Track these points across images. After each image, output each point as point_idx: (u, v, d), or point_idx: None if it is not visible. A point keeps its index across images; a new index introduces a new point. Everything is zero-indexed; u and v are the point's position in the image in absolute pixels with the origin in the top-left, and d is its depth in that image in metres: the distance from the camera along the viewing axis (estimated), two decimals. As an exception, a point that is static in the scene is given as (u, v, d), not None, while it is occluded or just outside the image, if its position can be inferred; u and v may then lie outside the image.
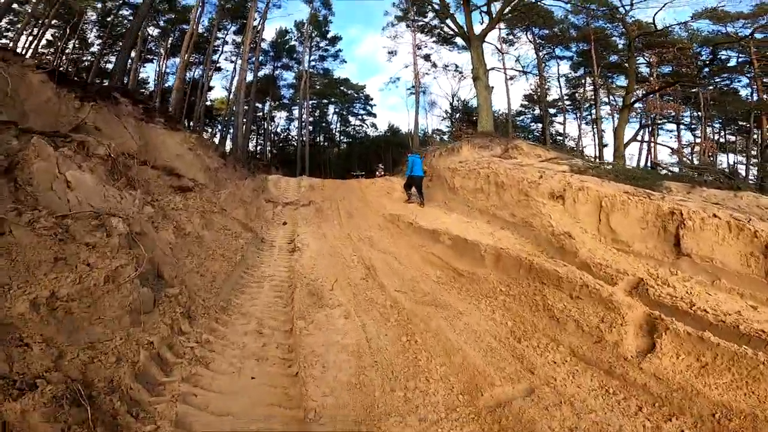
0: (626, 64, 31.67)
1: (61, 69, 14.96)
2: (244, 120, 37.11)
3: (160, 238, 6.01)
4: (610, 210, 9.29)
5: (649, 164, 29.96)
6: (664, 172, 16.40)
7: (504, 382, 4.61)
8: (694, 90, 27.84)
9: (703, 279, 7.13)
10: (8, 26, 34.63)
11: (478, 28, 22.69)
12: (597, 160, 24.51)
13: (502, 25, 28.76)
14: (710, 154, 28.91)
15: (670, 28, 23.56)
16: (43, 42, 37.74)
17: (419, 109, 33.21)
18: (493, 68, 26.47)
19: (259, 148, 50.36)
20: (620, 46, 31.16)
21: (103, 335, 4.06)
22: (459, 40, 33.34)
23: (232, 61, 42.51)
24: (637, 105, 25.08)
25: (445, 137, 39.11)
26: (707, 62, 21.07)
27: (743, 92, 31.49)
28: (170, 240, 6.16)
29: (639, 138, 28.28)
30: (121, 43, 31.30)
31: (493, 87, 21.32)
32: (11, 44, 28.67)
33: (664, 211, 8.39)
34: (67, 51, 39.03)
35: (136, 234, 5.02)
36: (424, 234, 10.61)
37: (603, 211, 9.43)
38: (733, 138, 36.48)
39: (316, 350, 4.91)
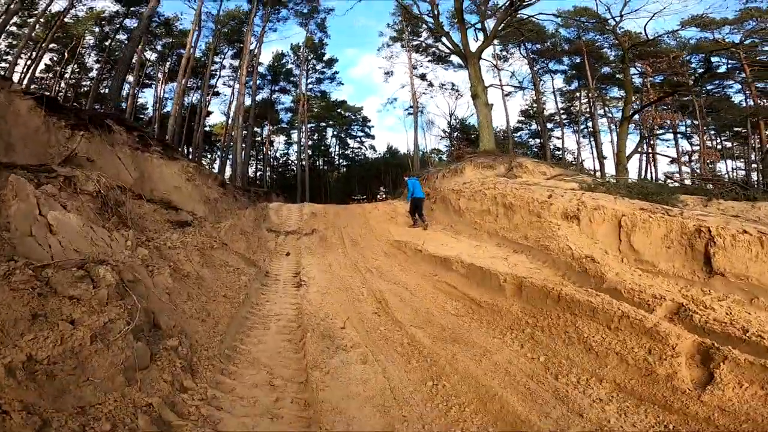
0: (619, 76, 31.70)
1: (49, 94, 14.30)
2: (243, 145, 36.86)
3: (156, 283, 5.39)
4: (630, 229, 8.80)
5: (654, 176, 29.66)
6: (673, 184, 15.93)
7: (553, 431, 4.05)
8: (687, 98, 27.68)
9: (740, 298, 6.64)
10: (7, 49, 34.45)
11: (473, 45, 22.57)
12: (600, 174, 24.05)
13: (496, 41, 28.60)
14: (710, 162, 28.57)
15: (660, 38, 23.49)
16: (42, 66, 37.84)
17: (417, 129, 32.92)
18: (491, 85, 26.30)
19: (258, 173, 50.06)
20: (612, 58, 31.17)
21: (94, 398, 3.50)
22: (455, 59, 33.37)
23: (229, 86, 42.52)
24: (635, 116, 24.74)
25: (443, 157, 38.82)
26: (705, 69, 20.78)
27: (736, 98, 31.48)
28: (167, 284, 5.56)
29: (640, 150, 27.94)
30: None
31: (492, 104, 20.95)
32: (9, 67, 28.41)
33: (690, 228, 7.90)
34: (66, 75, 38.83)
35: (128, 282, 4.45)
36: (435, 262, 10.08)
37: (623, 231, 8.94)
38: (729, 144, 36.31)
39: (335, 405, 4.33)
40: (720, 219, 8.40)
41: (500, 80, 31.97)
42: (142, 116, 42.62)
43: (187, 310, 5.51)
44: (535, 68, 32.74)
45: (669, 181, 17.15)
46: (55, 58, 37.90)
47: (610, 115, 32.65)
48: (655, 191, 11.61)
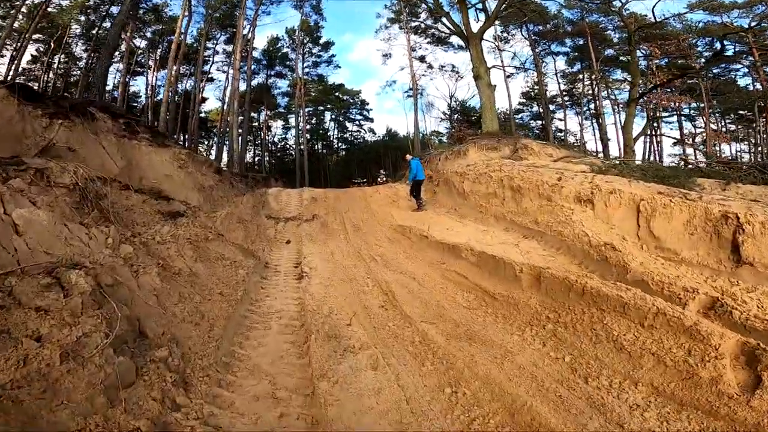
0: (622, 58, 30.94)
1: (23, 82, 13.45)
2: (240, 131, 36.02)
3: (141, 284, 4.87)
4: (650, 214, 8.27)
5: (657, 158, 29.07)
6: (685, 167, 15.35)
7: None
8: (692, 81, 27.02)
9: (770, 289, 6.14)
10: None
11: (474, 26, 21.77)
12: (604, 156, 23.43)
13: (497, 22, 27.70)
14: (715, 144, 27.99)
15: (666, 21, 22.77)
16: (28, 57, 36.82)
17: (417, 111, 32.14)
18: (493, 66, 25.51)
19: (257, 158, 49.28)
20: (615, 40, 30.33)
21: (72, 423, 2.98)
22: (455, 40, 32.43)
23: (224, 71, 41.43)
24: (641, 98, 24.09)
25: (443, 139, 38.03)
26: (717, 53, 20.08)
27: (741, 82, 30.80)
28: (155, 285, 5.02)
29: (648, 132, 27.28)
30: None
31: (495, 85, 20.23)
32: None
33: (715, 214, 7.38)
34: (54, 66, 37.81)
35: (107, 287, 3.90)
36: (442, 249, 9.55)
37: (642, 216, 8.41)
38: (733, 127, 35.68)
39: (347, 423, 3.82)
40: (743, 204, 7.87)
41: (502, 61, 31.15)
42: (135, 104, 41.57)
43: (178, 314, 4.96)
44: (537, 50, 31.84)
45: (682, 164, 16.55)
46: (41, 49, 36.73)
47: (613, 97, 31.91)
48: (671, 174, 11.06)
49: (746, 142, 34.59)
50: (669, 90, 24.05)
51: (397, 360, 5.10)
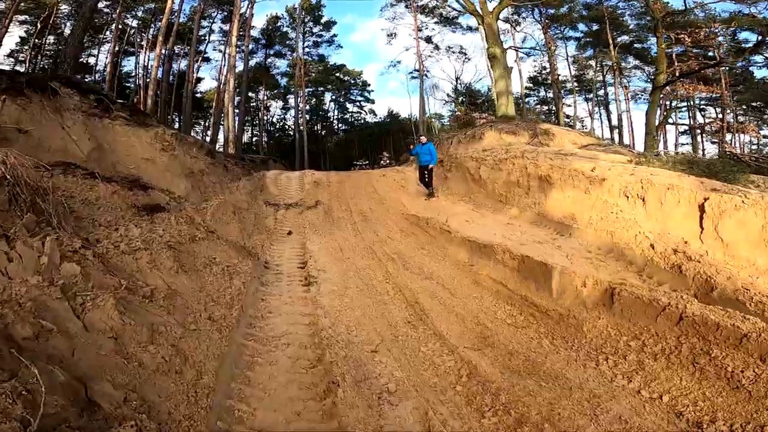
0: (637, 45, 29.42)
1: None
2: (237, 111, 34.29)
3: (90, 324, 3.26)
4: (718, 216, 6.93)
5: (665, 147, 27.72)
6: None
7: None
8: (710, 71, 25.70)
9: None
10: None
11: (489, 5, 20.15)
12: (617, 143, 22.07)
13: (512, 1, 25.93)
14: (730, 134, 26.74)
15: (694, 8, 21.34)
16: (17, 39, 34.96)
17: (424, 93, 30.45)
18: (510, 47, 23.97)
19: (254, 139, 47.52)
20: (631, 26, 28.75)
21: None
22: (464, 21, 30.77)
23: (220, 51, 39.34)
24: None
25: (445, 122, 36.37)
26: (759, 43, 18.74)
27: (759, 73, 29.47)
28: (112, 322, 3.36)
29: (671, 120, 25.91)
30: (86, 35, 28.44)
31: (511, 68, 18.76)
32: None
33: (802, 219, 6.09)
34: (44, 47, 35.77)
35: (26, 340, 2.46)
36: (471, 247, 8.19)
37: (708, 218, 7.08)
38: (742, 119, 34.39)
39: None
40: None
41: (514, 43, 29.49)
42: (129, 85, 39.50)
43: (148, 362, 3.35)
44: (548, 34, 30.13)
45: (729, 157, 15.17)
46: (30, 30, 34.63)
47: (626, 84, 30.39)
48: (722, 169, 9.70)
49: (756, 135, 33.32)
50: (692, 80, 22.68)
51: (448, 410, 3.78)
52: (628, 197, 8.43)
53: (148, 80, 34.08)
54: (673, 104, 28.21)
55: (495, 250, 7.39)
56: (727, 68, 23.23)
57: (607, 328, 5.02)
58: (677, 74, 20.59)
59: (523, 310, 5.90)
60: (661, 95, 20.96)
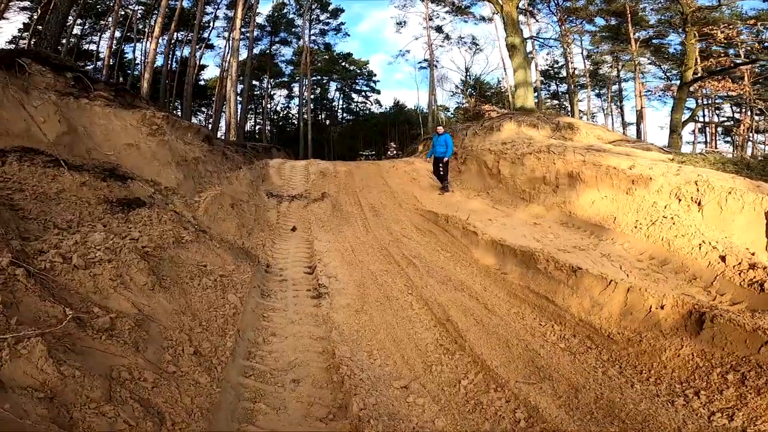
0: (655, 41, 28.06)
1: None
2: (240, 99, 32.94)
3: (10, 381, 2.04)
4: (789, 227, 5.85)
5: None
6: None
7: None
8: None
9: None
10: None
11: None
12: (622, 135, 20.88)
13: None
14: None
15: (725, 4, 20.11)
16: (19, 26, 33.82)
17: (434, 83, 29.11)
18: (530, 37, 22.73)
19: (257, 128, 46.23)
20: (652, 21, 27.34)
21: None
22: (478, 10, 29.44)
23: (225, 38, 37.90)
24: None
25: (450, 113, 35.00)
26: None
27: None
28: (43, 376, 2.14)
29: (697, 119, 24.68)
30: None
31: (532, 58, 17.51)
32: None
33: None
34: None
35: None
36: (502, 252, 7.09)
37: (775, 227, 6.00)
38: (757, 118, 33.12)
39: None
40: None
41: (531, 34, 28.12)
42: (132, 72, 38.09)
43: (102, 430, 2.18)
44: (564, 27, 28.70)
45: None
46: (34, 16, 33.34)
47: (643, 81, 29.00)
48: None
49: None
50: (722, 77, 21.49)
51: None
52: (680, 200, 7.32)
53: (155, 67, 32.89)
54: (701, 102, 27.01)
55: (536, 257, 6.26)
56: (759, 66, 22.02)
57: (693, 357, 3.94)
58: (707, 71, 19.39)
59: (577, 332, 4.82)
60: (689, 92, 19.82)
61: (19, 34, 34.59)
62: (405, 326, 4.94)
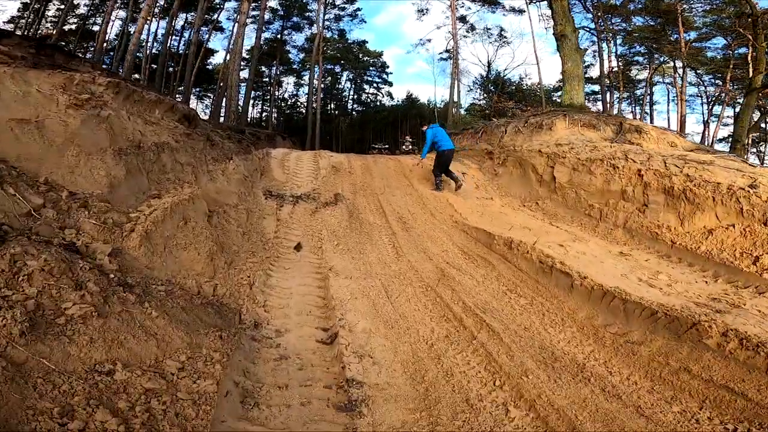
0: (697, 44, 25.27)
1: None
2: (244, 81, 30.12)
3: None
4: None
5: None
6: None
7: None
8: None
9: None
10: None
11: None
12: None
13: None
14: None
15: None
16: (18, 5, 31.46)
17: (458, 76, 26.10)
18: (582, 27, 19.89)
19: (264, 114, 43.37)
20: (698, 23, 24.52)
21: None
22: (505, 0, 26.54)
23: (235, 20, 35.02)
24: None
25: (462, 110, 31.99)
26: None
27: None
28: None
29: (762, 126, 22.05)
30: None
31: (585, 49, 14.75)
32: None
33: None
34: (48, 14, 32.01)
35: None
36: (622, 309, 4.47)
37: None
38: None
39: None
40: None
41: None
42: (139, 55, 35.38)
43: None
44: (599, 25, 25.79)
45: None
46: None
47: (680, 84, 26.19)
48: None
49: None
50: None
51: None
52: None
53: (158, 50, 30.03)
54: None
55: (703, 328, 3.63)
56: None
57: None
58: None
59: None
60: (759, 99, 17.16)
61: (19, 14, 32.33)
62: None
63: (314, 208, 8.15)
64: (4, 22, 31.78)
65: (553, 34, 14.97)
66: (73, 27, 33.56)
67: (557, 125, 11.49)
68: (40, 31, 31.08)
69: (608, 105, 25.52)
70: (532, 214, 9.14)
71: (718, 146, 25.11)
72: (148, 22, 32.55)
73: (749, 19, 16.44)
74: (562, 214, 8.93)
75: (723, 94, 26.08)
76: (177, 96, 27.33)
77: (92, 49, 29.19)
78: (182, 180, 5.81)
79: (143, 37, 33.55)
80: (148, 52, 30.86)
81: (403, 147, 21.58)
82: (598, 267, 5.76)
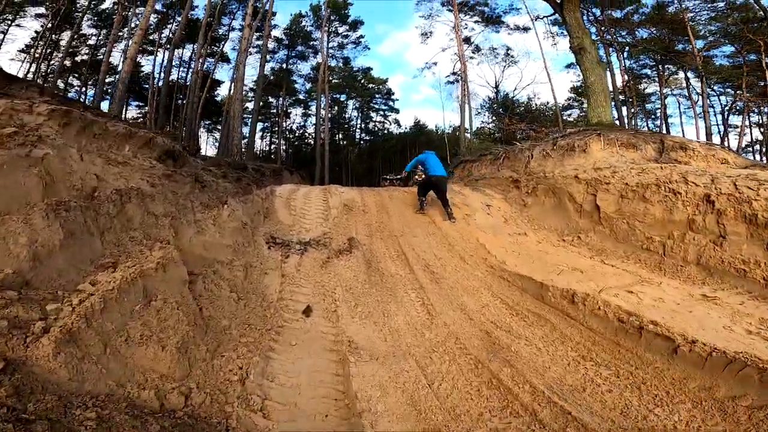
0: (705, 53, 24.22)
1: None
2: (250, 113, 29.32)
3: None
4: None
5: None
6: None
7: None
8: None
9: None
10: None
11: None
12: None
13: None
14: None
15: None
16: (32, 33, 31.31)
17: (468, 98, 24.97)
18: (600, 39, 18.85)
19: (272, 147, 42.64)
20: (702, 32, 23.50)
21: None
22: (511, 19, 25.71)
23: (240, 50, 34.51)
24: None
25: (467, 134, 30.82)
26: None
27: None
28: None
29: None
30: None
31: (609, 61, 13.60)
32: None
33: None
34: (61, 44, 31.73)
35: None
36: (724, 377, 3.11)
37: None
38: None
39: None
40: None
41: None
42: (147, 87, 34.82)
43: None
44: (604, 38, 24.86)
45: None
46: (48, 25, 30.45)
47: (681, 95, 25.21)
48: None
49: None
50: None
51: None
52: None
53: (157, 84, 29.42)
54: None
55: None
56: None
57: None
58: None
59: None
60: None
61: (32, 43, 32.04)
62: None
63: (325, 257, 6.89)
64: (18, 51, 31.97)
65: (570, 48, 13.87)
66: (85, 58, 33.44)
67: (592, 146, 10.24)
68: (53, 63, 31.02)
69: (625, 121, 24.32)
70: (576, 250, 7.84)
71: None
72: (154, 53, 32.32)
73: (764, 23, 15.45)
74: (612, 248, 7.64)
75: (741, 103, 24.91)
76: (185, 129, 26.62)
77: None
78: (154, 237, 4.56)
79: (150, 69, 33.53)
80: (156, 84, 30.38)
81: (416, 177, 20.36)
82: (689, 319, 4.46)
